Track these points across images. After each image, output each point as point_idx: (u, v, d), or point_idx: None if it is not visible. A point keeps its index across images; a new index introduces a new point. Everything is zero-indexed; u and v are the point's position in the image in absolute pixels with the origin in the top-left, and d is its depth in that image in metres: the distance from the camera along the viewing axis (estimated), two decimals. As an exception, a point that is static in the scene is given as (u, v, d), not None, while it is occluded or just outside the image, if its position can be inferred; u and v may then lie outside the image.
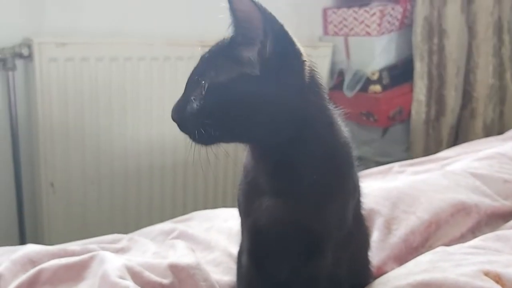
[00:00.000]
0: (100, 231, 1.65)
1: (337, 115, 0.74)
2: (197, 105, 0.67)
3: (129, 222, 1.77)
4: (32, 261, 0.92)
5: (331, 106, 0.73)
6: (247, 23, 0.64)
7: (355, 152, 0.78)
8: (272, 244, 0.75)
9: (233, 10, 0.64)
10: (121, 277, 0.82)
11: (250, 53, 0.64)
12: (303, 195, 0.70)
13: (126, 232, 1.20)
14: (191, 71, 0.71)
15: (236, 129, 0.67)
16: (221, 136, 0.68)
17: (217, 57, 0.68)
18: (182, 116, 0.69)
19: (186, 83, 0.70)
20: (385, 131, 2.12)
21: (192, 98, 0.67)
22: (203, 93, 0.66)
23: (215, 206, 1.88)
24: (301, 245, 0.73)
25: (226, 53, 0.67)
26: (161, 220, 1.72)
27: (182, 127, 0.70)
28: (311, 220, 0.71)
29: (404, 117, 2.10)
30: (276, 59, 0.64)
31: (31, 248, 0.96)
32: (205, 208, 1.83)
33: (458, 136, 2.12)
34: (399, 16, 2.04)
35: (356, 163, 0.80)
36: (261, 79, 0.64)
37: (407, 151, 2.14)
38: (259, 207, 0.72)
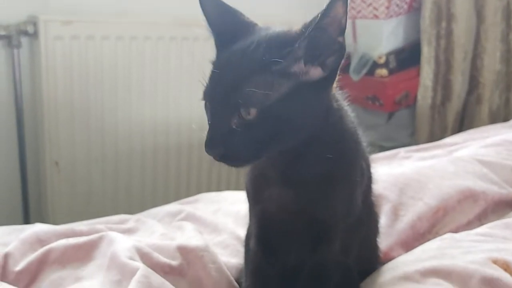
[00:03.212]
0: (104, 211, 1.65)
1: (343, 101, 0.74)
2: (246, 132, 0.61)
3: (133, 202, 1.77)
4: (40, 241, 0.92)
5: (339, 94, 0.73)
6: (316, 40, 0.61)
7: (364, 139, 0.78)
8: (281, 231, 0.75)
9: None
10: (131, 258, 0.82)
11: (300, 64, 0.61)
12: (311, 184, 0.70)
13: (130, 212, 1.20)
14: (208, 96, 0.64)
15: (284, 140, 0.64)
16: (268, 152, 0.64)
17: (255, 78, 0.61)
18: (227, 149, 0.62)
19: (211, 111, 0.63)
20: (390, 115, 2.11)
21: (233, 126, 0.61)
22: (251, 117, 0.60)
23: (218, 188, 1.89)
24: (309, 232, 0.73)
25: (266, 70, 0.61)
26: (165, 200, 1.72)
27: (227, 158, 0.63)
28: (319, 208, 0.71)
29: (410, 102, 2.09)
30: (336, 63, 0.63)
31: (39, 228, 0.96)
32: (209, 190, 1.84)
33: (464, 122, 2.11)
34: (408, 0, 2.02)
35: (366, 149, 0.79)
36: (319, 83, 0.63)
37: (412, 136, 2.13)
38: (269, 197, 0.72)
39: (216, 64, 0.66)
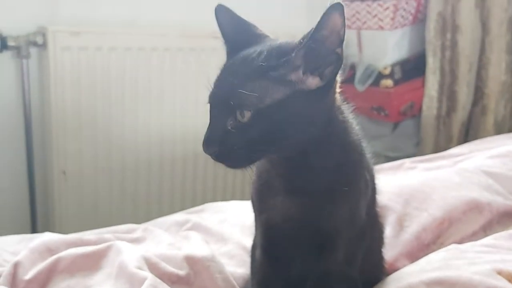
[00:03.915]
0: (111, 220, 1.67)
1: (348, 112, 0.75)
2: (240, 133, 0.64)
3: (139, 211, 1.78)
4: (49, 250, 0.93)
5: (344, 105, 0.74)
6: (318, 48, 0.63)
7: (368, 149, 0.79)
8: (285, 240, 0.76)
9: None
10: (139, 268, 0.83)
11: (297, 72, 0.64)
12: (315, 194, 0.71)
13: (136, 221, 1.21)
14: (210, 99, 0.67)
15: (277, 145, 0.66)
16: (261, 156, 0.68)
17: (251, 82, 0.64)
18: (222, 148, 0.65)
19: (211, 113, 0.67)
20: (395, 126, 2.12)
21: (229, 127, 0.64)
22: (246, 120, 0.63)
23: (224, 197, 1.90)
24: (313, 242, 0.74)
25: (263, 76, 0.64)
26: (171, 210, 1.74)
27: (221, 158, 0.66)
28: (323, 218, 0.72)
29: (415, 112, 2.10)
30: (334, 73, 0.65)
31: (48, 237, 0.98)
32: (214, 199, 1.85)
33: (469, 133, 2.11)
34: (413, 11, 2.03)
35: (371, 161, 0.81)
36: (316, 92, 0.65)
37: (417, 146, 2.14)
38: (273, 206, 0.73)
39: (221, 70, 0.69)
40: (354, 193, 0.73)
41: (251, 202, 0.80)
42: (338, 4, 0.60)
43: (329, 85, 0.66)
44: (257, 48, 0.67)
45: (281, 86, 0.64)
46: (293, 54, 0.63)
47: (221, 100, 0.65)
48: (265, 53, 0.65)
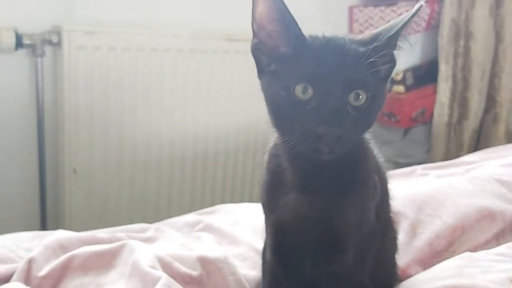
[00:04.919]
0: (120, 218, 1.67)
1: None
2: (355, 117, 0.63)
3: (148, 210, 1.79)
4: (63, 247, 0.94)
5: None
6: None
7: (380, 155, 0.79)
8: (296, 241, 0.76)
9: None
10: (152, 267, 0.83)
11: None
12: (327, 191, 0.71)
13: (145, 220, 1.22)
14: (320, 80, 0.62)
15: (367, 131, 0.69)
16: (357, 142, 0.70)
17: (364, 66, 0.63)
18: (344, 131, 0.62)
19: (323, 89, 0.62)
20: (406, 132, 2.12)
21: (348, 109, 0.63)
22: (360, 103, 0.63)
23: (233, 199, 1.90)
24: (323, 241, 0.74)
25: (364, 63, 0.64)
26: (180, 209, 1.74)
27: (340, 143, 0.63)
28: (333, 216, 0.72)
29: (426, 118, 2.09)
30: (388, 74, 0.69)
31: (62, 234, 0.98)
32: (223, 201, 1.85)
33: (480, 140, 2.10)
34: (426, 17, 2.02)
35: (383, 165, 0.81)
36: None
37: (428, 153, 2.13)
38: (285, 204, 0.73)
39: (317, 50, 0.65)
40: (362, 193, 0.73)
41: (261, 203, 0.80)
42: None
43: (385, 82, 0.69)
44: (336, 39, 0.67)
45: (378, 74, 0.65)
46: (374, 44, 0.64)
47: (340, 80, 0.62)
48: (354, 43, 0.66)
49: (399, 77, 1.99)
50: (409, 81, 2.02)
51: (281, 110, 0.66)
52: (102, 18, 1.66)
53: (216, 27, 1.82)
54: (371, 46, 0.63)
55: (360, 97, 0.63)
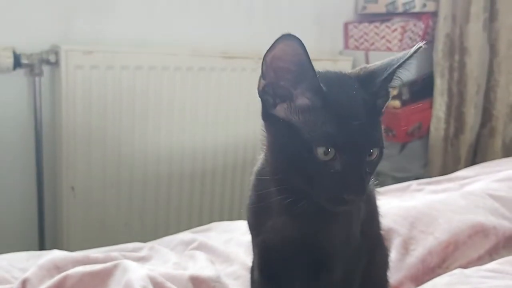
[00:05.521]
0: (118, 236, 1.68)
1: None
2: (369, 172, 0.64)
3: (146, 228, 1.79)
4: (57, 267, 0.94)
5: None
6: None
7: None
8: (283, 261, 0.76)
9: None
10: (144, 287, 0.84)
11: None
12: (314, 214, 0.71)
13: (143, 238, 1.22)
14: (350, 143, 0.62)
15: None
16: None
17: (377, 119, 0.65)
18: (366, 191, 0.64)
19: (350, 156, 0.62)
20: (403, 146, 2.13)
21: (366, 169, 0.63)
22: (372, 158, 0.64)
23: (231, 216, 1.90)
24: (310, 261, 0.75)
25: (378, 111, 0.66)
26: (178, 226, 1.75)
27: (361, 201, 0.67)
28: (320, 237, 0.73)
29: (422, 133, 2.10)
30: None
31: (56, 254, 0.99)
32: (221, 217, 1.86)
33: (477, 154, 2.11)
34: (421, 33, 2.05)
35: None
36: None
37: (425, 167, 2.14)
38: (272, 227, 0.74)
39: (336, 105, 0.63)
40: (346, 213, 0.73)
41: (247, 223, 0.80)
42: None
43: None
44: (343, 77, 0.68)
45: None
46: (377, 82, 0.66)
47: (362, 142, 0.63)
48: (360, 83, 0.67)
49: (395, 92, 2.01)
50: (405, 96, 2.03)
51: (296, 166, 0.64)
52: (99, 37, 1.68)
53: (213, 45, 1.85)
54: (377, 99, 0.66)
55: (373, 152, 0.64)
